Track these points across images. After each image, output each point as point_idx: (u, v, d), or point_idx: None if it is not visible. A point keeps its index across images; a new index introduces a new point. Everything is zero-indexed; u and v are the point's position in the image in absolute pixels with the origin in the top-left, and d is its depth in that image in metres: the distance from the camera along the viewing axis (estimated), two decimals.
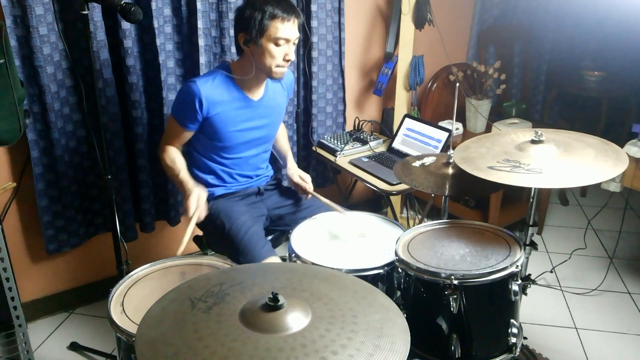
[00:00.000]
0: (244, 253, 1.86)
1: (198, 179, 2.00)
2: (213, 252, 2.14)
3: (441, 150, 2.54)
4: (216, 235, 2.01)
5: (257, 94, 1.97)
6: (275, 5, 1.76)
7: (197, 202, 1.83)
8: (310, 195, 2.14)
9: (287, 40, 1.81)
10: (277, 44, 1.80)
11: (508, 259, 1.57)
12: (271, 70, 1.85)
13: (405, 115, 2.77)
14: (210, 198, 2.02)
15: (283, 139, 2.29)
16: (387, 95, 3.07)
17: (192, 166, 2.02)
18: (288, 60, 1.85)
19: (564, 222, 3.32)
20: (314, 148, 2.85)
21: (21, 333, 1.93)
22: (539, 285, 2.67)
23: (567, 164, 1.61)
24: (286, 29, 1.79)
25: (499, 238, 1.69)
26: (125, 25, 2.14)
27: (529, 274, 1.79)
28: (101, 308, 2.47)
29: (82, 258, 2.48)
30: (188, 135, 1.95)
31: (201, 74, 2.36)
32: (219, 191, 2.03)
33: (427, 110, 3.19)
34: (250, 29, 1.78)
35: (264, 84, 1.98)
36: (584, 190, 3.65)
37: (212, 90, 1.86)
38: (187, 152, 2.03)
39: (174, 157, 1.96)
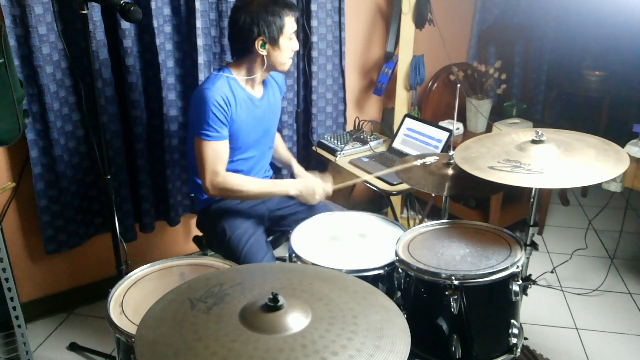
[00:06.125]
0: (243, 264, 1.85)
1: (200, 189, 1.97)
2: (213, 252, 2.14)
3: (442, 150, 2.54)
4: (216, 241, 2.00)
5: (259, 92, 1.98)
6: (283, 4, 1.82)
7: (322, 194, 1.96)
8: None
9: (294, 33, 1.89)
10: (290, 39, 1.88)
11: (509, 259, 1.56)
12: (285, 64, 1.91)
13: (406, 115, 2.77)
14: (213, 202, 2.02)
15: (282, 147, 2.28)
16: (387, 95, 3.07)
17: (196, 177, 1.98)
18: (294, 51, 1.92)
19: (565, 222, 3.31)
20: (314, 148, 2.84)
21: (20, 333, 1.93)
22: (540, 285, 2.66)
23: (568, 164, 1.61)
24: (295, 23, 1.88)
25: (500, 238, 1.69)
26: (125, 24, 2.14)
27: (530, 275, 1.79)
28: (101, 308, 2.46)
29: (81, 258, 2.47)
30: (228, 148, 1.88)
31: (200, 73, 2.36)
32: None
33: (427, 110, 3.18)
34: (271, 33, 1.81)
35: (262, 82, 1.99)
36: (584, 191, 3.65)
37: (228, 91, 1.85)
38: (192, 165, 2.01)
39: (238, 178, 1.88)
